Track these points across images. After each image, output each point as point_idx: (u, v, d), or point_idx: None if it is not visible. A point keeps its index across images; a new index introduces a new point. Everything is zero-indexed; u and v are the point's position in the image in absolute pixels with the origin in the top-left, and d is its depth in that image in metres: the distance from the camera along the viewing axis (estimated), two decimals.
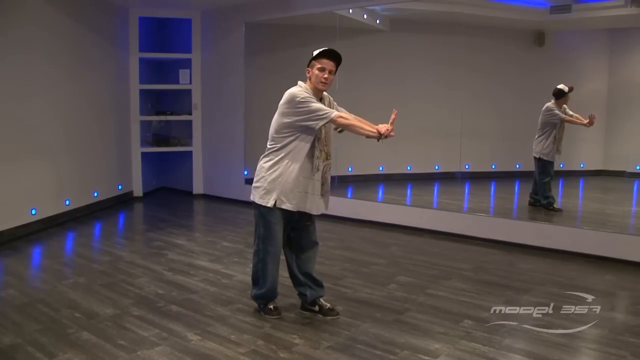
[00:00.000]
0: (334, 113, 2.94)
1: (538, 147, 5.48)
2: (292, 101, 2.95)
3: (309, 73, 3.04)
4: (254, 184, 3.12)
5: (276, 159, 3.04)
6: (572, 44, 6.17)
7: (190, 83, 7.12)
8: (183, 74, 7.15)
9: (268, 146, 3.09)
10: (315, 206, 3.09)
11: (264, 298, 3.22)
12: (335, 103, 3.21)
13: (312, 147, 3.03)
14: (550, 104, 5.39)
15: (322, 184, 3.11)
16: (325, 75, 2.99)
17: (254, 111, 6.68)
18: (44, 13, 5.25)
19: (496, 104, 6.42)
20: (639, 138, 5.50)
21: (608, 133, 5.90)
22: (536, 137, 5.50)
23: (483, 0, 6.24)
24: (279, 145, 3.03)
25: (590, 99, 5.91)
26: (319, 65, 2.99)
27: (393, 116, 2.95)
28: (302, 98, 2.93)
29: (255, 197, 3.09)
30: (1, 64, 4.69)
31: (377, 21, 6.77)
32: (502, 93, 6.40)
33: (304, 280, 3.23)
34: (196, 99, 7.17)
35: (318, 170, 3.05)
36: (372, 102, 6.53)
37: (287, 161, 3.02)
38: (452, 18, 6.14)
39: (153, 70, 7.42)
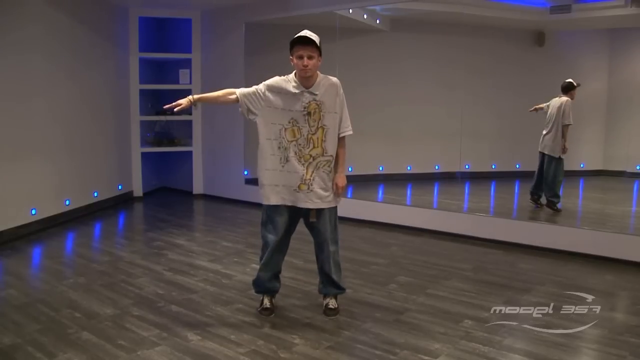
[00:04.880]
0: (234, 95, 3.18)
1: (552, 143, 5.29)
2: None
3: (292, 62, 3.00)
4: None
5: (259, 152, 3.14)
6: (572, 44, 6.17)
7: (190, 83, 7.12)
8: (183, 74, 7.15)
9: None
10: (301, 199, 3.06)
11: (254, 284, 3.28)
12: (342, 92, 3.06)
13: (277, 138, 3.04)
14: (568, 101, 5.21)
15: (309, 177, 3.03)
16: (305, 63, 2.92)
17: None
18: (44, 13, 5.24)
19: (496, 104, 6.41)
20: (639, 138, 5.49)
21: (608, 133, 5.90)
22: (545, 132, 5.35)
23: (483, 0, 6.24)
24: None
25: (590, 99, 5.91)
26: (296, 54, 2.95)
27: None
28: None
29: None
30: (1, 64, 4.69)
31: (377, 21, 6.77)
32: (502, 93, 6.40)
33: (322, 277, 3.27)
34: None
35: (288, 161, 3.03)
36: (372, 102, 6.52)
37: (259, 153, 3.12)
38: (452, 18, 6.13)
39: (153, 70, 7.42)
